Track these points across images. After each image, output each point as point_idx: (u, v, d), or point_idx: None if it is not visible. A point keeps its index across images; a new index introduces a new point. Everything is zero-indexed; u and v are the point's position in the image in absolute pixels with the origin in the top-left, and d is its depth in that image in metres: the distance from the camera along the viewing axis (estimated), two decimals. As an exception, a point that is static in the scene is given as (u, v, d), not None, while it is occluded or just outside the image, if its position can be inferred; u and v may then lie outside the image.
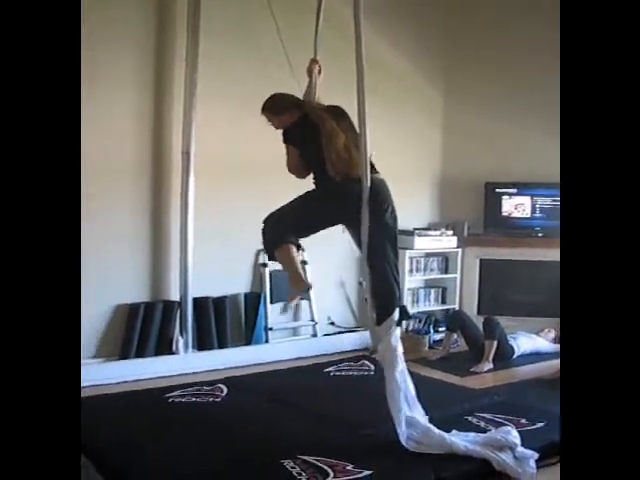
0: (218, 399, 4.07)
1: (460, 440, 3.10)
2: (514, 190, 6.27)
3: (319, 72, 3.70)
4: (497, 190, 6.29)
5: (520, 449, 3.05)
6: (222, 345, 5.14)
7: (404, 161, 6.11)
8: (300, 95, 3.60)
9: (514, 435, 3.12)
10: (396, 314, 3.33)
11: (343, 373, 4.80)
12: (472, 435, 3.23)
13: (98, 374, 4.48)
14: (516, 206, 6.28)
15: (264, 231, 3.52)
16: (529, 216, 6.24)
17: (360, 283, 5.98)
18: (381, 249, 3.30)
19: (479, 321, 5.48)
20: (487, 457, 3.01)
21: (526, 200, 6.23)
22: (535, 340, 5.48)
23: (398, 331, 3.34)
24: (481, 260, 6.31)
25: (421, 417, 3.22)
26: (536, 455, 3.03)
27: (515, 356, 5.30)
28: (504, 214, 6.31)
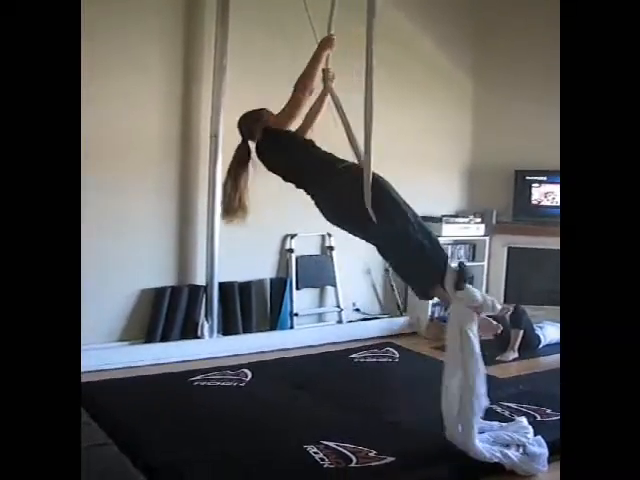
0: (242, 384, 4.08)
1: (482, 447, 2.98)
2: (544, 178, 6.18)
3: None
4: (527, 178, 6.21)
5: (530, 448, 3.01)
6: (247, 330, 5.15)
7: (432, 147, 6.06)
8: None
9: (524, 431, 3.08)
10: (449, 274, 2.99)
11: (367, 360, 4.79)
12: (485, 434, 3.17)
13: (124, 357, 4.53)
14: (546, 194, 6.19)
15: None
16: (559, 205, 6.14)
17: (386, 270, 5.95)
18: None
19: (506, 310, 5.42)
20: (499, 461, 2.95)
21: (556, 188, 6.13)
22: (562, 330, 5.42)
23: (467, 293, 2.97)
24: (509, 248, 6.24)
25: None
26: (546, 453, 2.98)
27: (541, 345, 5.25)
28: (534, 202, 6.22)
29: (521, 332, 5.09)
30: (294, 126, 3.45)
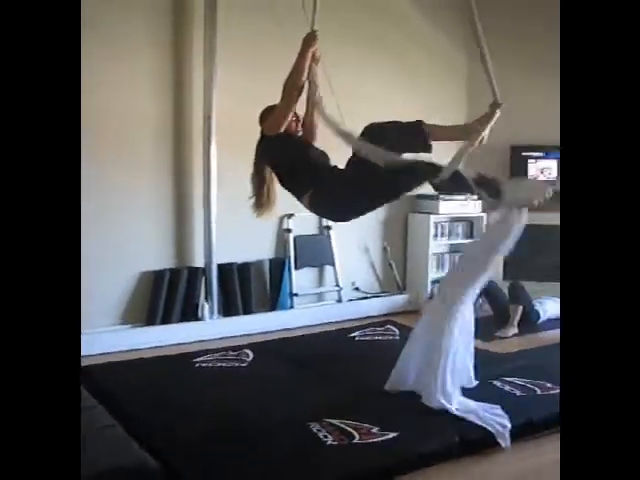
0: (244, 364, 4.10)
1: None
2: (541, 154, 6.17)
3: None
4: (523, 153, 6.19)
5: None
6: (247, 311, 5.17)
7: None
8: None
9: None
10: None
11: (368, 338, 4.81)
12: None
13: (125, 340, 4.55)
14: (542, 170, 6.19)
15: None
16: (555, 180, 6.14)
17: (384, 248, 5.96)
18: None
19: (504, 286, 5.45)
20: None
21: (553, 164, 6.13)
22: (561, 305, 5.45)
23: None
24: (507, 224, 6.23)
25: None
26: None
27: (541, 321, 5.27)
28: (530, 178, 6.21)
29: (520, 308, 5.12)
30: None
